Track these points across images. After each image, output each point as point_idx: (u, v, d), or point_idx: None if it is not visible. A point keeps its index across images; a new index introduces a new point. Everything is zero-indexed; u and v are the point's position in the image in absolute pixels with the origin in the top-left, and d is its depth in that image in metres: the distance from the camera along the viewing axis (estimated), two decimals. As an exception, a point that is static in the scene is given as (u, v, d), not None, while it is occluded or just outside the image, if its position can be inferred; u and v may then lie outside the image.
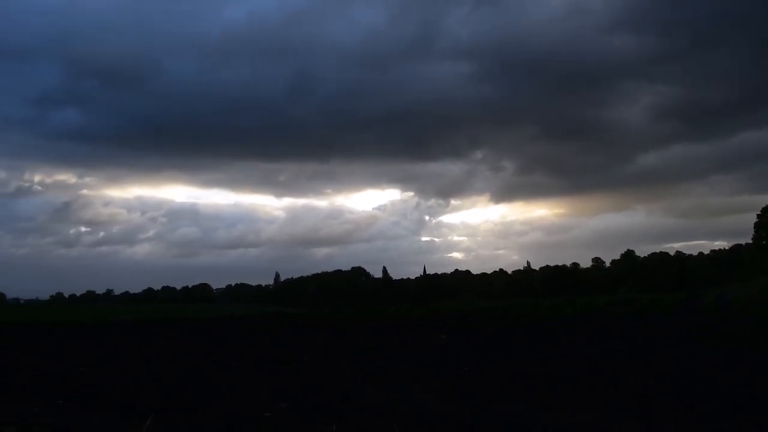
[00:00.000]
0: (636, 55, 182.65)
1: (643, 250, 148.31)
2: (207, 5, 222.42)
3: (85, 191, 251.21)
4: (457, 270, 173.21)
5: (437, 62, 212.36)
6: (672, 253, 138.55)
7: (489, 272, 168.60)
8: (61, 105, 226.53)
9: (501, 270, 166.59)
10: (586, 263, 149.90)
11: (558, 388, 13.64)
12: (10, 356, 24.59)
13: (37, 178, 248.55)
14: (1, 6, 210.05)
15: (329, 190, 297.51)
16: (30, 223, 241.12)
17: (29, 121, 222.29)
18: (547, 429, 10.19)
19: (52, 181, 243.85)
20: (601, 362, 17.68)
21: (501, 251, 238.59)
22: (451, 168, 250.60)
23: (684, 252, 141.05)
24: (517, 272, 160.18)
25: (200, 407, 12.51)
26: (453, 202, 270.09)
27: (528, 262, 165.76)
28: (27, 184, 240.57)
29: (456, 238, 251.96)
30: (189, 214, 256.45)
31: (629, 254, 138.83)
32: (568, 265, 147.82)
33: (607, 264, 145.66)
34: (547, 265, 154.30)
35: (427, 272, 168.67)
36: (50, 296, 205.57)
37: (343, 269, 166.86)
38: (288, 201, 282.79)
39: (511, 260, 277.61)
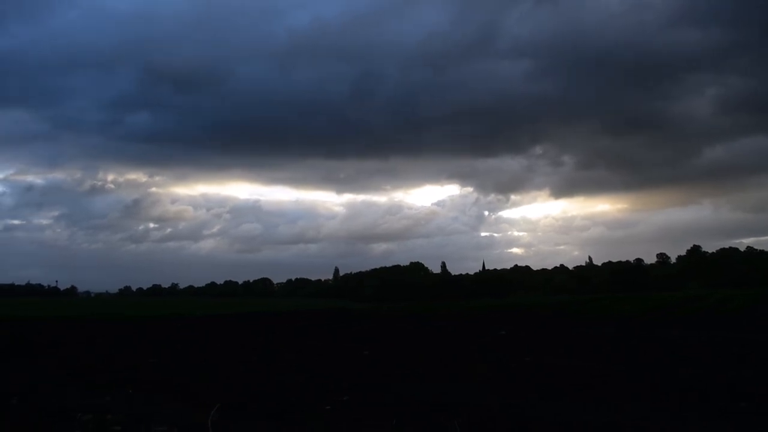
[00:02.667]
0: (701, 47, 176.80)
1: (710, 246, 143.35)
2: (273, 11, 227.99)
3: (154, 189, 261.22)
4: (516, 265, 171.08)
5: (498, 60, 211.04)
6: (742, 249, 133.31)
7: (549, 268, 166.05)
8: (134, 109, 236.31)
9: (562, 266, 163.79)
10: (650, 259, 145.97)
11: (623, 384, 13.33)
12: (81, 348, 25.63)
13: (110, 177, 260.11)
14: (81, 17, 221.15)
15: (388, 186, 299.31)
16: (102, 219, 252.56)
17: (105, 124, 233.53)
18: (605, 426, 9.97)
19: (123, 180, 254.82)
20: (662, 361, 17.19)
21: (562, 247, 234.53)
22: (510, 163, 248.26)
23: (755, 247, 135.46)
24: (578, 268, 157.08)
25: (260, 399, 12.75)
26: (513, 197, 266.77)
27: (590, 258, 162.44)
28: (100, 183, 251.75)
29: (516, 234, 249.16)
30: (252, 210, 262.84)
31: (696, 250, 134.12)
32: (632, 261, 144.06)
33: (673, 260, 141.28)
34: (610, 261, 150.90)
35: (487, 267, 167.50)
36: (119, 290, 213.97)
37: (402, 264, 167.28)
38: (348, 197, 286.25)
39: (572, 256, 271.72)
